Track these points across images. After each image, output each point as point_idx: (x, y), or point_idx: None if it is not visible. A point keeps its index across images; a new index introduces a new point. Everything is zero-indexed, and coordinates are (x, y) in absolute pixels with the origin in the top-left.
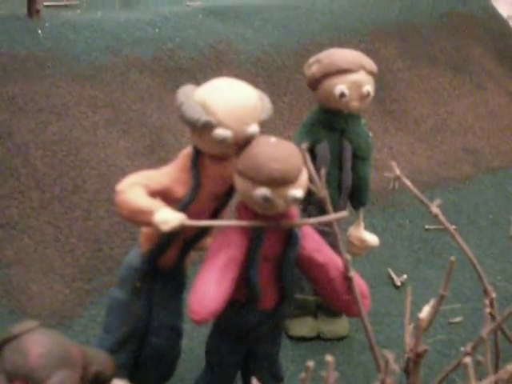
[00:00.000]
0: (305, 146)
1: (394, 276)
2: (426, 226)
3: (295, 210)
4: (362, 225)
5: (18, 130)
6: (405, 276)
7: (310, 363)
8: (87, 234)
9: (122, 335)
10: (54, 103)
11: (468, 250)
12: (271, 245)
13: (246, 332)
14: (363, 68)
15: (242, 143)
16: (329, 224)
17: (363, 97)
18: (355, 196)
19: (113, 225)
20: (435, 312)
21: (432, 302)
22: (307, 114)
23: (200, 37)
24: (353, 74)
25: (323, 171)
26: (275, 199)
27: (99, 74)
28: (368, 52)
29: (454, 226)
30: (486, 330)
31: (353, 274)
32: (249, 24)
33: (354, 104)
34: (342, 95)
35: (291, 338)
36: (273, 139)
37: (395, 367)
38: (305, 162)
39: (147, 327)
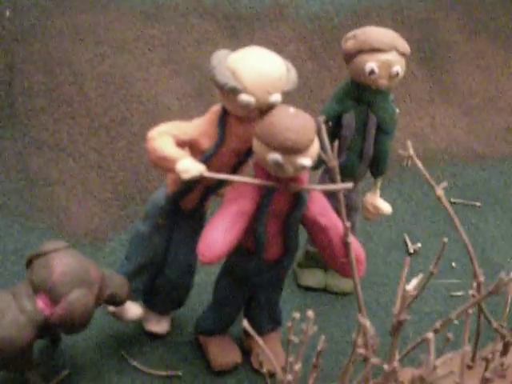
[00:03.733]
0: (322, 118)
1: (408, 243)
2: (452, 199)
3: (306, 175)
4: (378, 192)
5: (76, 59)
6: (419, 244)
7: (296, 315)
8: (128, 164)
9: (140, 264)
10: (113, 37)
11: (463, 233)
12: (280, 203)
13: (250, 277)
14: (395, 49)
15: (265, 109)
16: (335, 192)
17: (392, 76)
18: (375, 166)
19: None
20: (423, 286)
21: (420, 276)
22: (339, 85)
23: None
24: (384, 53)
25: (336, 144)
26: (285, 165)
27: (160, 13)
28: (427, 21)
29: (478, 203)
30: (457, 312)
31: (351, 239)
32: None
33: (383, 82)
34: (372, 72)
35: (300, 286)
36: (292, 110)
37: (371, 331)
38: (320, 134)
39: (164, 260)
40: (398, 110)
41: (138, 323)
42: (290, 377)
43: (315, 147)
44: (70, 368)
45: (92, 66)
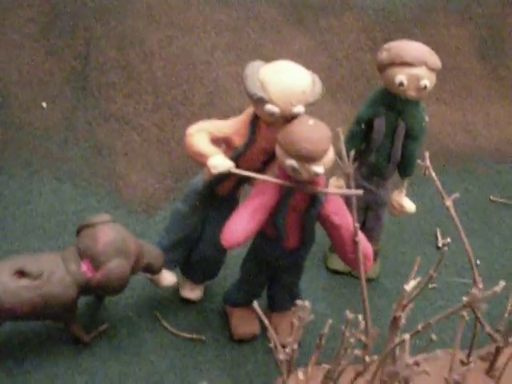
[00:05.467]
0: (340, 129)
1: (439, 237)
2: (491, 197)
3: (323, 179)
4: (404, 192)
5: (148, 39)
6: (448, 240)
7: (299, 302)
8: None
9: (177, 238)
10: (184, 20)
11: (465, 239)
12: (299, 200)
13: (271, 261)
14: (425, 64)
15: (289, 118)
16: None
17: (420, 89)
18: (402, 168)
19: None
20: (423, 287)
21: (418, 278)
22: (374, 91)
23: None
24: (414, 67)
25: (352, 153)
26: (300, 170)
27: None
28: (494, 17)
29: None
30: (438, 317)
31: (359, 238)
32: None
33: (411, 93)
34: (401, 84)
35: (328, 269)
36: (311, 121)
37: (362, 324)
38: (335, 144)
39: (199, 237)
40: (427, 119)
41: (175, 289)
42: (282, 356)
43: (329, 156)
44: (109, 322)
45: (161, 47)
